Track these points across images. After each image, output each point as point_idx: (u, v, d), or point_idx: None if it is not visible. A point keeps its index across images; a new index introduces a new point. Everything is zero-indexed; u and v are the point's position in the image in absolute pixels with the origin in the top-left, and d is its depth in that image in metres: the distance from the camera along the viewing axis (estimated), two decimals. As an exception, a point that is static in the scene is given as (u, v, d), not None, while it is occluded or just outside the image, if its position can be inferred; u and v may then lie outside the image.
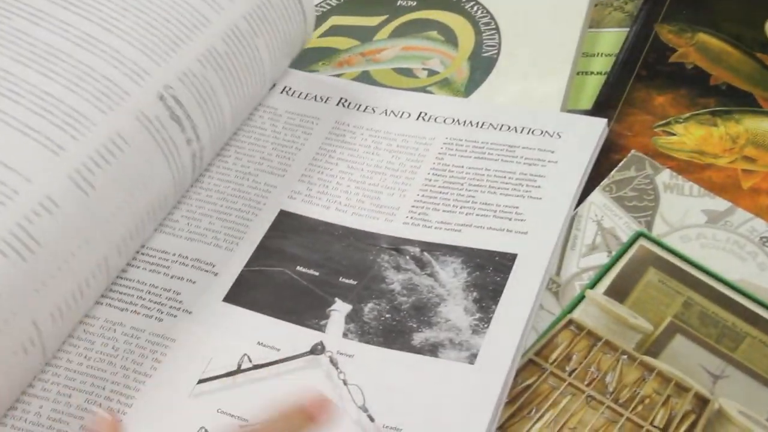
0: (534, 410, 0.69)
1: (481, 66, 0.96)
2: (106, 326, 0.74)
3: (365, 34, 1.01)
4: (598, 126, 0.86)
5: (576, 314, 0.75)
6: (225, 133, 0.84)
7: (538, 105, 0.90)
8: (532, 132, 0.86)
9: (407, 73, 0.97)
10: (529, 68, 0.95)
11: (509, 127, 0.86)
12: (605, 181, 0.83)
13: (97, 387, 0.70)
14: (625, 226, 0.80)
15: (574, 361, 0.71)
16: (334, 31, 1.03)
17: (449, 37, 1.00)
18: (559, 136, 0.85)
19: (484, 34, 0.99)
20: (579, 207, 0.81)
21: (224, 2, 0.83)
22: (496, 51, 0.97)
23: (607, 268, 0.77)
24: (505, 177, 0.82)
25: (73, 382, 0.71)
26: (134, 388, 0.70)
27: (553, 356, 0.72)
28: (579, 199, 0.81)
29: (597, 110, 0.90)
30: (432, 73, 0.96)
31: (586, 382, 0.70)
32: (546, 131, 0.86)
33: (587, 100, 0.92)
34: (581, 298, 0.76)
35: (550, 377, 0.71)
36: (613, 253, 0.78)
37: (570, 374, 0.71)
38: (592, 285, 0.76)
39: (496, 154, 0.85)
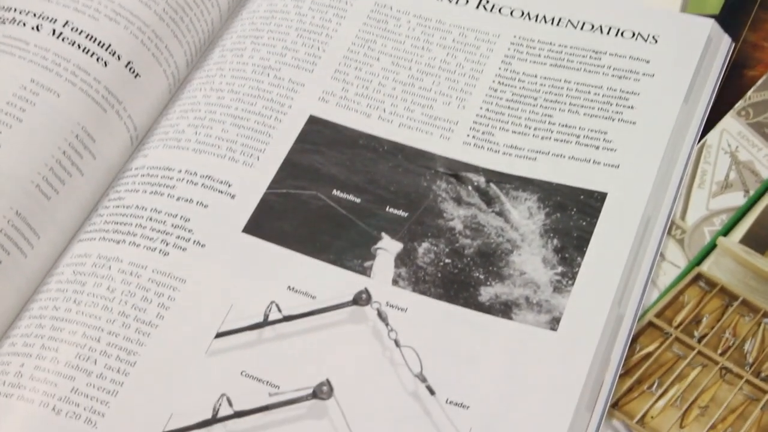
0: (656, 384, 0.63)
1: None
2: (100, 263, 0.65)
3: None
4: (704, 27, 0.76)
5: (706, 267, 0.68)
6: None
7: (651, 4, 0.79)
8: (622, 34, 0.76)
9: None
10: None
11: (592, 27, 0.77)
12: (740, 104, 0.75)
13: (90, 339, 0.61)
14: (765, 159, 0.72)
15: (704, 325, 0.65)
16: None
17: None
18: (655, 41, 0.75)
19: None
20: (708, 135, 0.73)
21: None
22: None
23: (744, 211, 0.70)
24: (589, 92, 0.73)
25: (61, 333, 0.62)
26: (137, 342, 0.62)
27: (679, 318, 0.66)
28: (706, 124, 0.73)
29: (726, 15, 0.80)
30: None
31: (719, 351, 0.64)
32: (639, 33, 0.76)
33: (715, 3, 0.82)
34: (712, 247, 0.69)
35: (674, 344, 0.64)
36: (751, 192, 0.71)
37: (699, 341, 0.65)
38: (726, 231, 0.69)
39: (578, 62, 0.75)
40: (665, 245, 0.68)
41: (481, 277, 0.65)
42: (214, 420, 0.59)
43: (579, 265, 0.65)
